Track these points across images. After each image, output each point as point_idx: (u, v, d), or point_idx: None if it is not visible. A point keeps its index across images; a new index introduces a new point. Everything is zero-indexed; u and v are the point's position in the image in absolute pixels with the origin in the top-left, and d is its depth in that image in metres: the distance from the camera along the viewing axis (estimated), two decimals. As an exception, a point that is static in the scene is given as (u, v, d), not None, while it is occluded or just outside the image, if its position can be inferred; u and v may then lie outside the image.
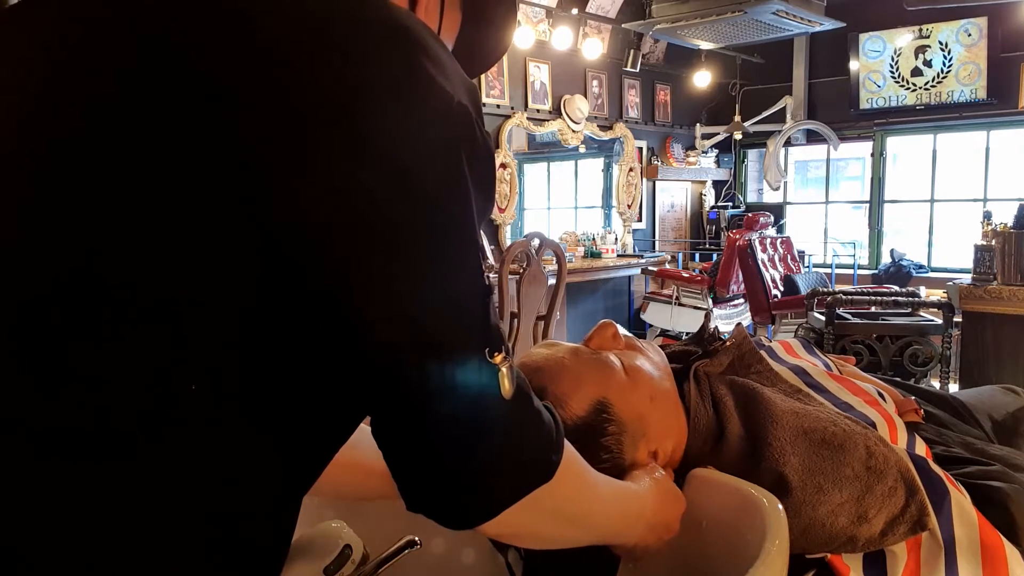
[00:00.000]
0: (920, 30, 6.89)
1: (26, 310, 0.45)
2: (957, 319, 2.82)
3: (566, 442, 0.59)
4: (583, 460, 0.64)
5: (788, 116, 7.38)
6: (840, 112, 7.40)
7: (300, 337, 0.48)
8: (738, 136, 7.54)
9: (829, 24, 5.67)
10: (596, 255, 6.25)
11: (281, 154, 0.45)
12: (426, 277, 0.49)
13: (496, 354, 0.51)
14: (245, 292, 0.46)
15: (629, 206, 7.32)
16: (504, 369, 0.51)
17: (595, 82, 6.87)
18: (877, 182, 7.53)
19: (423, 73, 0.48)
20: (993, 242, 3.00)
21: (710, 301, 6.23)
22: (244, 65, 0.46)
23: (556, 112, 6.52)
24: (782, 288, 6.06)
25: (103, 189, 0.45)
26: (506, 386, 0.52)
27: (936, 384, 2.40)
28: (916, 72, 7.02)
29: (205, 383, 0.46)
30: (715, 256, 7.08)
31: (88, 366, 0.44)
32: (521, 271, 4.06)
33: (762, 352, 1.04)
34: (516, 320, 4.05)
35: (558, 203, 8.22)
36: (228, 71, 0.46)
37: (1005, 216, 3.64)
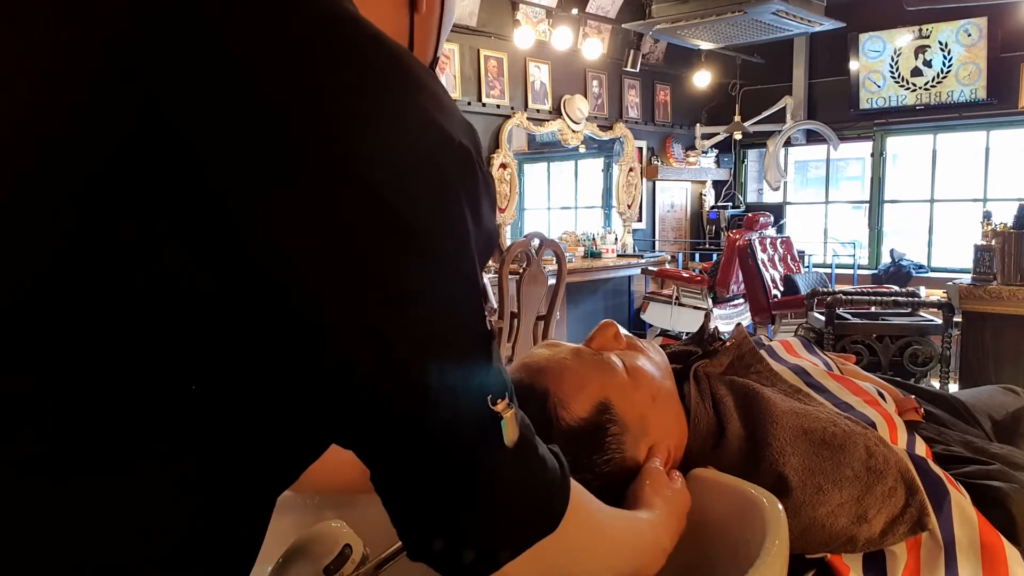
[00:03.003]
0: (920, 30, 6.89)
1: None
2: (957, 319, 2.82)
3: (573, 483, 0.57)
4: (592, 500, 0.62)
5: (788, 116, 7.38)
6: (840, 112, 7.40)
7: (278, 370, 0.47)
8: (738, 136, 7.54)
9: (829, 24, 5.67)
10: (596, 255, 6.25)
11: (261, 182, 0.43)
12: (422, 320, 0.47)
13: (499, 401, 0.49)
14: (215, 313, 0.45)
15: (629, 206, 7.32)
16: (507, 416, 0.50)
17: (595, 82, 6.87)
18: (877, 182, 7.53)
19: (421, 111, 0.48)
20: (993, 242, 3.00)
21: (710, 301, 6.23)
22: (224, 96, 0.44)
23: (556, 112, 6.52)
24: (782, 288, 6.06)
25: (65, 209, 0.43)
26: (509, 434, 0.50)
27: (936, 384, 2.40)
28: (916, 72, 7.02)
29: (181, 396, 0.45)
30: (715, 256, 7.08)
31: (58, 381, 0.43)
32: (521, 271, 4.06)
33: (762, 352, 1.04)
34: (516, 320, 4.05)
35: (558, 203, 8.22)
36: (203, 104, 0.44)
37: (1005, 216, 3.65)
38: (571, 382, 0.84)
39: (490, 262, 5.53)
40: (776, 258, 6.30)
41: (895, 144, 7.62)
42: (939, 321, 2.52)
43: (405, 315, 0.46)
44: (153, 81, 0.44)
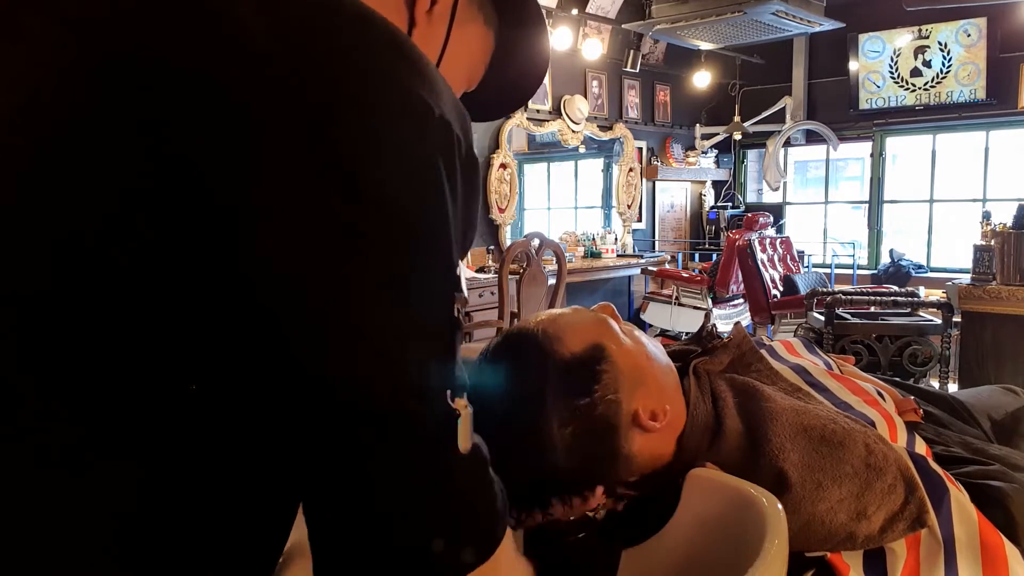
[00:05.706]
0: (919, 30, 6.90)
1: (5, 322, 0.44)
2: (956, 319, 2.82)
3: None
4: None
5: (788, 116, 7.38)
6: (839, 112, 7.40)
7: (254, 350, 0.45)
8: (738, 136, 7.54)
9: (829, 24, 5.67)
10: (596, 255, 6.25)
11: (237, 157, 0.43)
12: (389, 300, 0.45)
13: (457, 399, 0.46)
14: (201, 305, 0.44)
15: (629, 206, 7.32)
16: (464, 415, 0.47)
17: (595, 82, 6.87)
18: (876, 182, 7.54)
19: (399, 82, 0.46)
20: (992, 242, 3.00)
21: (710, 301, 6.24)
22: (215, 97, 0.44)
23: (556, 112, 6.52)
24: (781, 288, 6.06)
25: (63, 219, 0.44)
26: (463, 438, 0.47)
27: (935, 384, 2.40)
28: (915, 72, 7.03)
29: (192, 394, 0.45)
30: (715, 256, 7.08)
31: (75, 377, 0.44)
32: (521, 271, 4.07)
33: (762, 351, 1.04)
34: (516, 320, 4.06)
35: (558, 203, 8.22)
36: (192, 82, 0.44)
37: (1004, 216, 3.64)
38: (566, 326, 0.85)
39: (490, 262, 5.53)
40: (776, 258, 6.30)
41: (894, 144, 7.62)
42: (939, 321, 2.52)
43: (379, 294, 0.45)
44: (151, 87, 0.44)
